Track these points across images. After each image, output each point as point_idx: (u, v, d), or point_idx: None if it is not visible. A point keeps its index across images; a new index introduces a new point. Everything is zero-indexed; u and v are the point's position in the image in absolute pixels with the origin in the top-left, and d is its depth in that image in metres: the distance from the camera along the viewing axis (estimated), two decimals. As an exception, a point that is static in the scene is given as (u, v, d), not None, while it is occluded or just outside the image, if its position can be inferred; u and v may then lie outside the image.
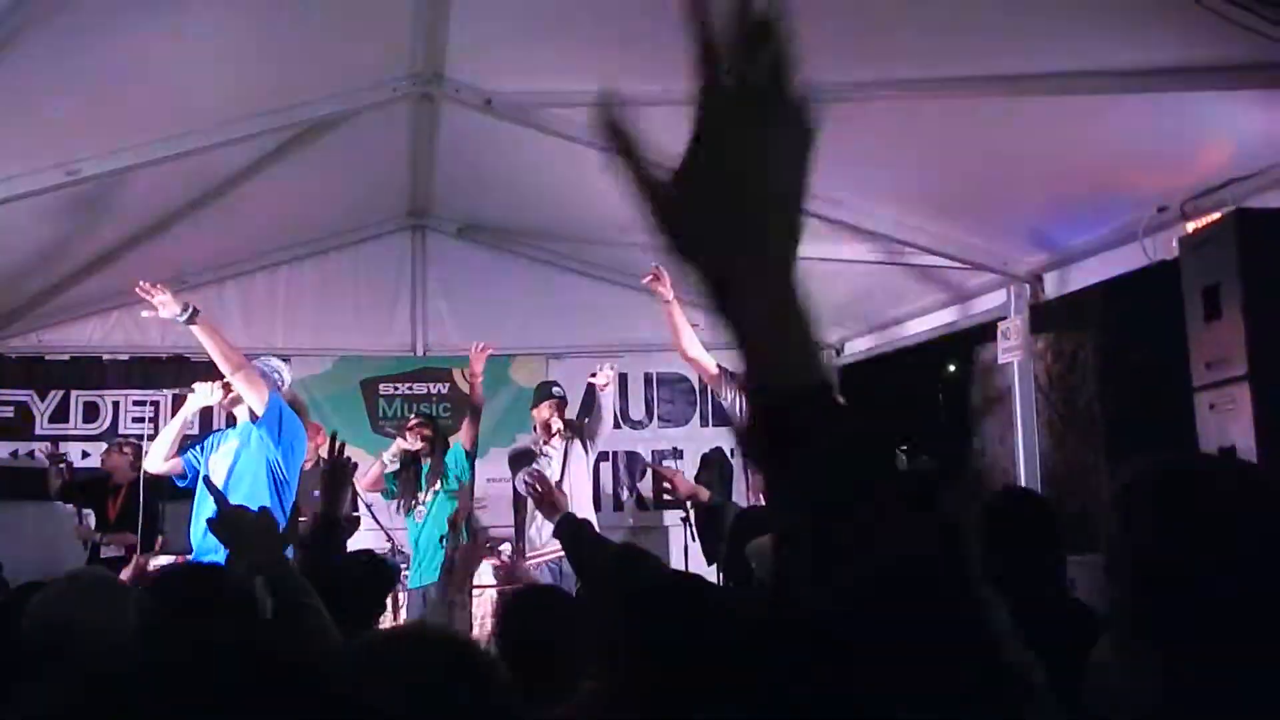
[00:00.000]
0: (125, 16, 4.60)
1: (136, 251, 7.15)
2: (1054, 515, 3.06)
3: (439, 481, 6.82)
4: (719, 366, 6.31)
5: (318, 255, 8.36)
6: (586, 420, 7.21)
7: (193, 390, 5.62)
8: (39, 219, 6.00)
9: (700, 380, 8.00)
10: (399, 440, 6.94)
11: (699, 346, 6.23)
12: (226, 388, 5.46)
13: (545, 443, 6.98)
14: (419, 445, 6.87)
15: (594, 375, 7.03)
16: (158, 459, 5.67)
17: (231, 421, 5.79)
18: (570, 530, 3.73)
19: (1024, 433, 6.40)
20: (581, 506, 6.91)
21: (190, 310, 5.36)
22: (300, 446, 5.62)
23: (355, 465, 3.78)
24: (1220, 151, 4.72)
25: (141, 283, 5.48)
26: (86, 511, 7.65)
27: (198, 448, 5.74)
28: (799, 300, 0.80)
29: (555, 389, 7.25)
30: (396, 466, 6.93)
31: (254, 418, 5.36)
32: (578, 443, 6.97)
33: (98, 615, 2.51)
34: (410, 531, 6.92)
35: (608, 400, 7.06)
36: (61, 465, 7.78)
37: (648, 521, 8.37)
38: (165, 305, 5.35)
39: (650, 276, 5.98)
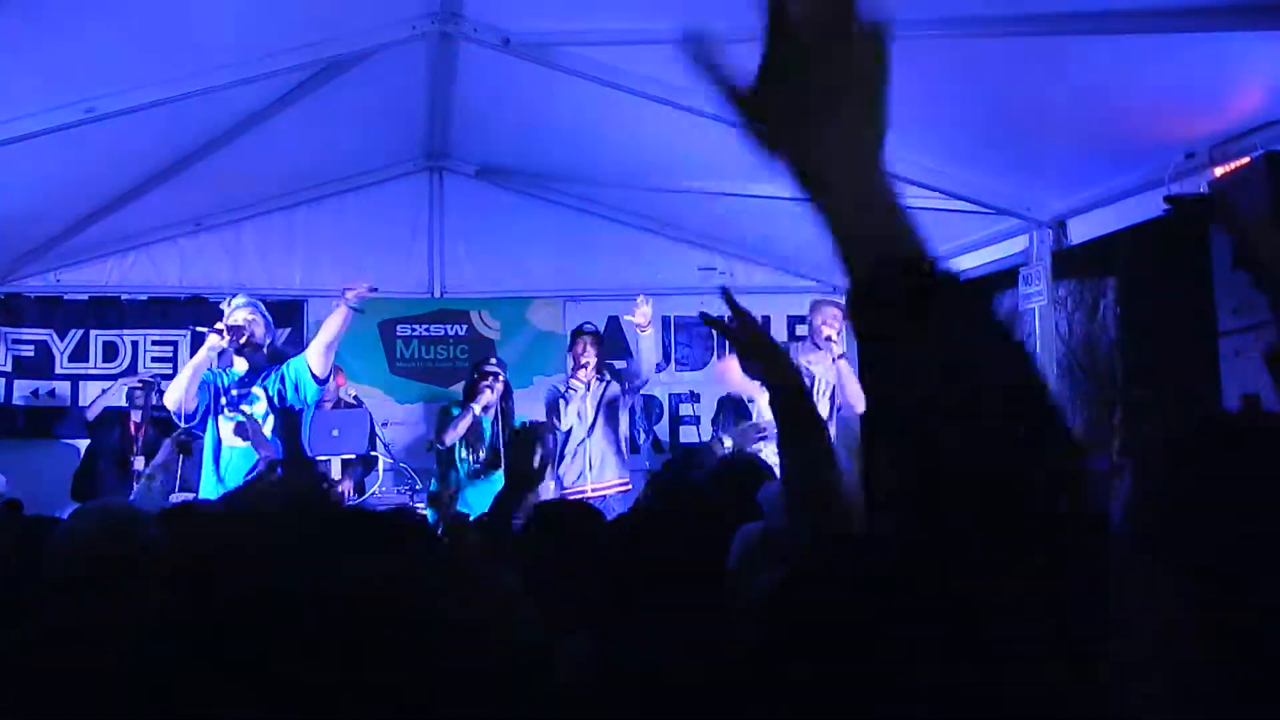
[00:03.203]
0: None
1: (154, 192, 7.14)
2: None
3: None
4: None
5: (336, 196, 8.33)
6: (627, 364, 7.10)
7: (210, 334, 5.71)
8: (56, 158, 5.98)
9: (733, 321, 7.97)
10: (485, 393, 6.72)
11: None
12: (235, 333, 5.68)
13: (572, 376, 6.91)
14: (495, 398, 6.71)
15: (632, 315, 6.74)
16: (175, 397, 5.72)
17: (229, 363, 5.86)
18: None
19: (1044, 380, 6.35)
20: (603, 452, 6.86)
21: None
22: None
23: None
24: (1250, 95, 4.62)
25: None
26: None
27: (214, 392, 5.78)
28: (884, 184, 0.89)
29: (588, 324, 7.22)
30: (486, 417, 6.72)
31: (320, 380, 5.83)
32: (616, 385, 6.89)
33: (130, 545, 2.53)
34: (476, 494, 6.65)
35: (649, 341, 6.78)
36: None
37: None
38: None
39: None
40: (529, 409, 7.64)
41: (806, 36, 0.87)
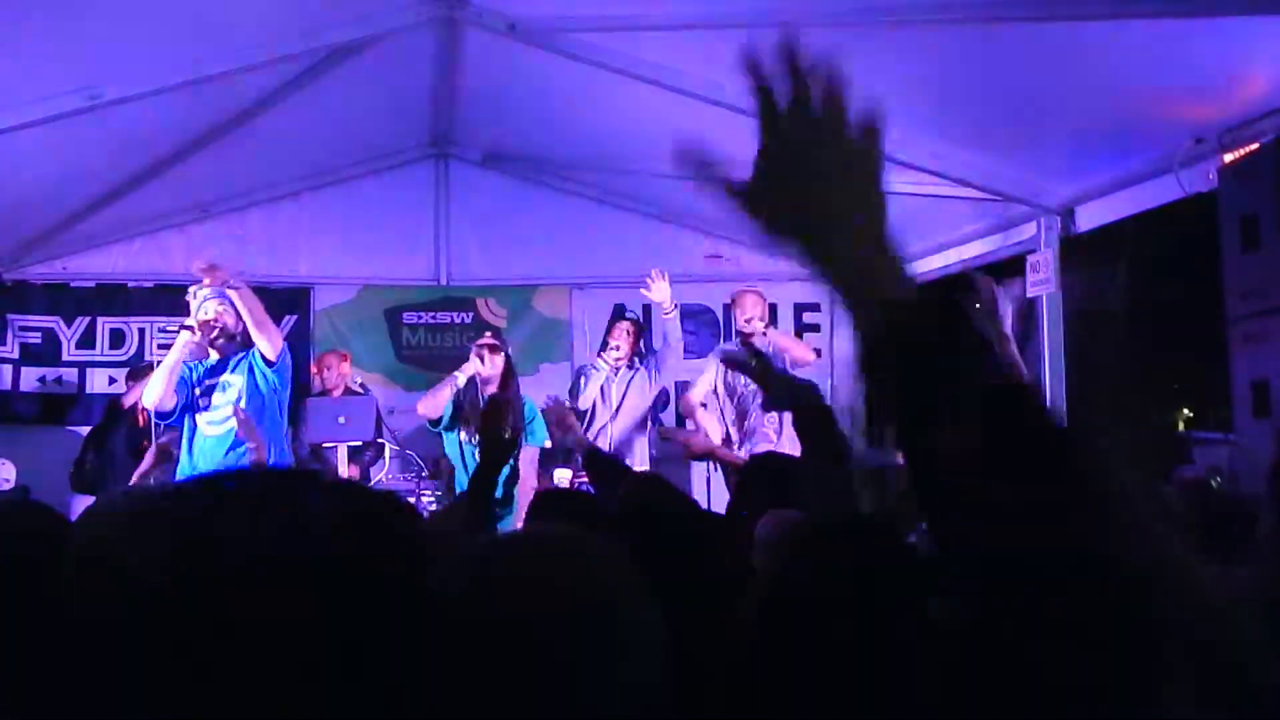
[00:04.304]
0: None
1: (160, 178, 7.13)
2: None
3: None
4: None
5: (341, 183, 8.32)
6: (656, 351, 7.04)
7: (180, 330, 5.70)
8: (61, 145, 5.98)
9: (724, 310, 8.01)
10: (473, 361, 6.27)
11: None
12: (206, 328, 5.64)
13: (599, 354, 6.87)
14: (492, 371, 6.24)
15: (648, 292, 6.57)
16: (154, 396, 5.66)
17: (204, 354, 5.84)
18: (592, 460, 3.77)
19: (1051, 367, 6.35)
20: (626, 437, 6.84)
21: (236, 280, 5.60)
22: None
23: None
24: (1260, 81, 4.60)
25: (196, 263, 5.63)
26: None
27: (189, 386, 5.75)
28: (888, 248, 0.95)
29: (629, 312, 7.16)
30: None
31: (270, 363, 5.67)
32: (643, 372, 6.85)
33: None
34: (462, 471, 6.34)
35: (673, 324, 6.64)
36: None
37: (670, 452, 8.37)
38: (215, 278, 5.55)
39: None
40: (535, 397, 7.61)
41: (798, 131, 0.93)
